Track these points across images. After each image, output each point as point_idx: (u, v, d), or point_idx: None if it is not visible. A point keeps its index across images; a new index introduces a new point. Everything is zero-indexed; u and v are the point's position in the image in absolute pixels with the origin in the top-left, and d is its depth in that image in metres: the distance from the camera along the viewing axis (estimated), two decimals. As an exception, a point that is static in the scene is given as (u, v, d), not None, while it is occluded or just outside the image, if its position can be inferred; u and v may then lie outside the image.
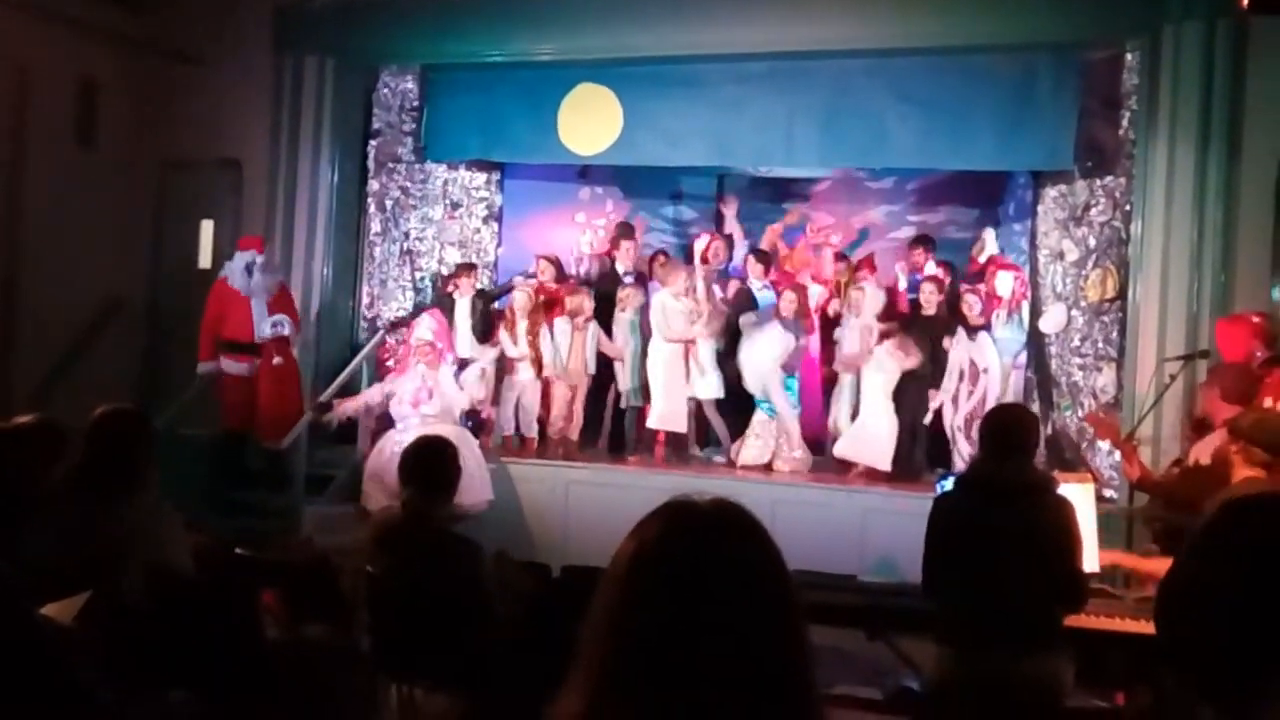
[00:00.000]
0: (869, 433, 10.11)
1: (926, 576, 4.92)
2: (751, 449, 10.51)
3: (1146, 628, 4.84)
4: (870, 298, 10.34)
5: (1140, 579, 5.66)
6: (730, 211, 11.98)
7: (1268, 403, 6.77)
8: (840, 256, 11.68)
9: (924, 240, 11.37)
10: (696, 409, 10.81)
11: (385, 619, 4.99)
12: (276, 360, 10.50)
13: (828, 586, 5.70)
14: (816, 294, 11.03)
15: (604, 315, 10.94)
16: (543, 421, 10.84)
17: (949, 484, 5.30)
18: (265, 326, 10.46)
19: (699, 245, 11.34)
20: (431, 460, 5.19)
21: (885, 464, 9.99)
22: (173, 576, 4.26)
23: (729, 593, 1.70)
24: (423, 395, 9.45)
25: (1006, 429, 4.96)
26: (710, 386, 10.64)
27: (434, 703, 5.18)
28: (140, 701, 3.55)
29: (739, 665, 1.66)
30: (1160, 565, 5.45)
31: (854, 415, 10.31)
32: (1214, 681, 1.58)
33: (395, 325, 11.55)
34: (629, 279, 11.25)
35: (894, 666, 5.84)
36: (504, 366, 10.81)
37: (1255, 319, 7.74)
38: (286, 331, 10.51)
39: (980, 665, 4.67)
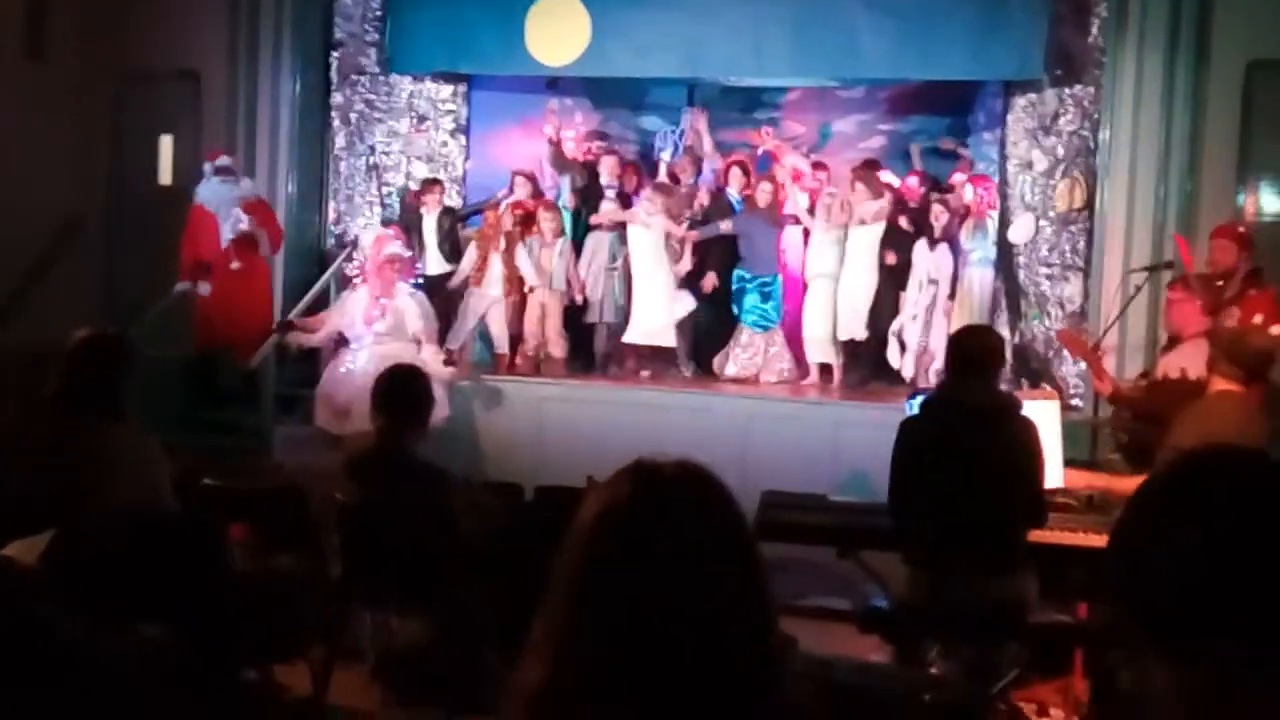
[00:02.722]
0: (850, 284, 10.20)
1: (894, 500, 4.96)
2: (736, 361, 10.57)
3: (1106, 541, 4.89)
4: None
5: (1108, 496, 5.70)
6: (701, 125, 11.86)
7: (1258, 319, 6.81)
8: (820, 165, 11.57)
9: (870, 164, 11.28)
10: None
11: (357, 547, 5.00)
12: (234, 265, 10.29)
13: (799, 506, 5.74)
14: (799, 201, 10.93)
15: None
16: (514, 340, 10.81)
17: (916, 403, 5.32)
18: (226, 229, 10.32)
19: (665, 155, 11.33)
20: (403, 389, 5.19)
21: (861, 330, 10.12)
22: (146, 510, 4.24)
23: (693, 558, 1.70)
24: (374, 313, 9.35)
25: (970, 351, 4.98)
26: (685, 302, 10.67)
27: (407, 627, 5.22)
28: (107, 638, 3.55)
29: (703, 631, 1.66)
30: (1131, 484, 5.50)
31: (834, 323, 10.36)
32: (1167, 638, 1.59)
33: (358, 243, 11.39)
34: (611, 193, 11.18)
35: (864, 579, 5.90)
36: (466, 282, 10.79)
37: (1241, 229, 7.77)
38: (245, 226, 10.28)
39: (947, 586, 4.73)
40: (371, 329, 9.28)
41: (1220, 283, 7.37)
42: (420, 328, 9.41)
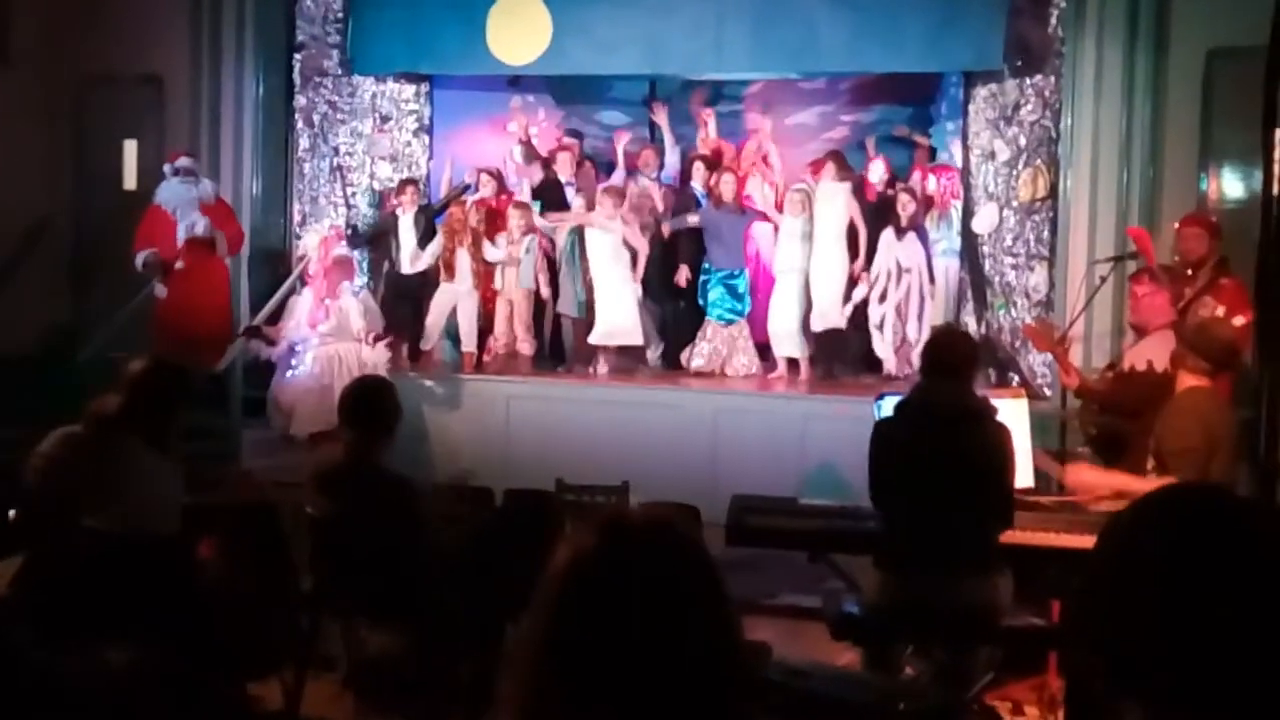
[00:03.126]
0: (821, 274, 10.23)
1: (874, 501, 5.01)
2: (702, 355, 10.60)
3: (1079, 541, 4.96)
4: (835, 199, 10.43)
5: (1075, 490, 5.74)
6: (663, 119, 11.86)
7: (1220, 311, 6.86)
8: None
9: (833, 156, 11.32)
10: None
11: (327, 560, 5.01)
12: (179, 265, 10.23)
13: (768, 510, 5.75)
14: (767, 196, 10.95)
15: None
16: (482, 337, 10.82)
17: (886, 404, 5.35)
18: (181, 230, 10.26)
19: (620, 144, 11.49)
20: (370, 401, 5.18)
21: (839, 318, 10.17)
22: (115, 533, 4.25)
23: (662, 611, 1.71)
24: (319, 315, 9.35)
25: (943, 353, 5.01)
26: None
27: (378, 638, 5.23)
28: (77, 660, 3.55)
29: (674, 684, 1.67)
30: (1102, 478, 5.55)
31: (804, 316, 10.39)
32: (1135, 681, 1.61)
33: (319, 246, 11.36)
34: (570, 189, 11.20)
35: (834, 576, 5.93)
36: (433, 280, 10.81)
37: (1213, 219, 7.81)
38: (199, 230, 10.23)
39: (919, 589, 4.75)
40: (316, 331, 9.28)
41: (1190, 271, 7.42)
42: (362, 326, 9.41)
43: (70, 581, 3.86)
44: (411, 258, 10.85)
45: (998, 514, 4.82)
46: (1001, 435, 4.84)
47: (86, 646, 3.64)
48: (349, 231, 11.40)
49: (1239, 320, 6.65)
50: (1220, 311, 6.82)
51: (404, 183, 11.29)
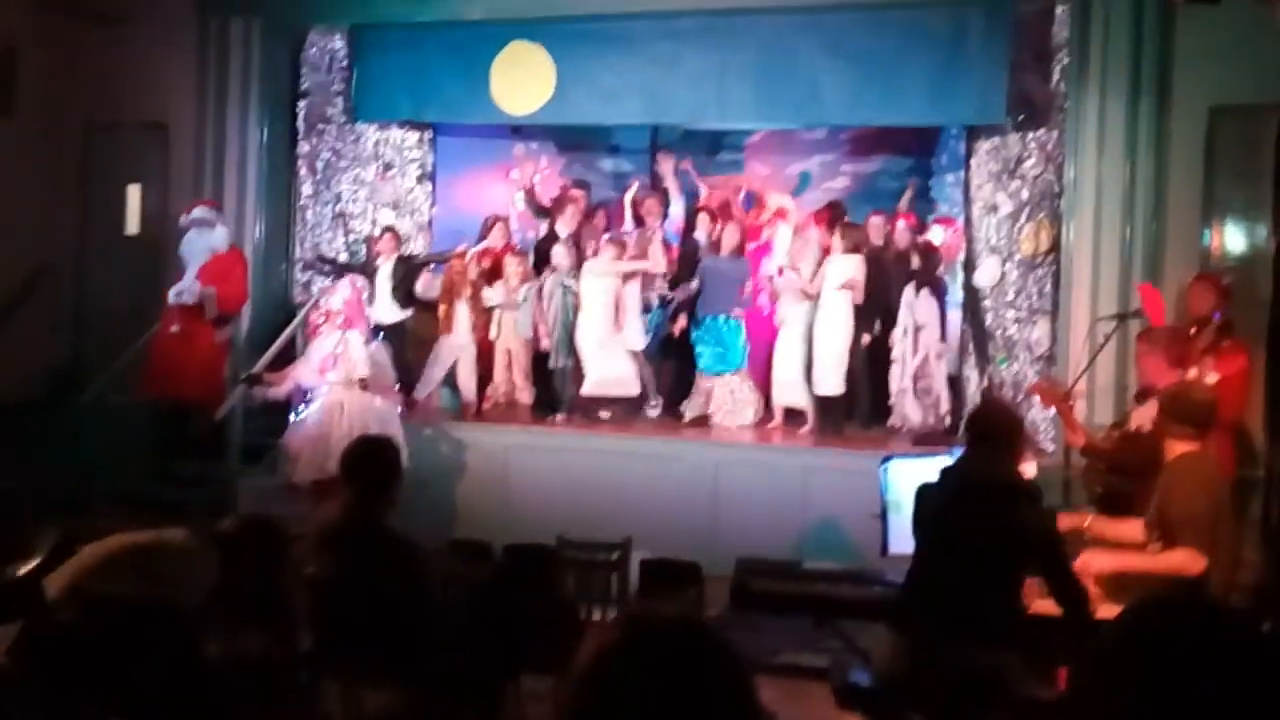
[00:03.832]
0: (824, 353, 10.18)
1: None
2: (695, 407, 10.57)
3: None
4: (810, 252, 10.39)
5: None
6: (668, 169, 11.90)
7: (1204, 373, 6.88)
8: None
9: (834, 207, 11.34)
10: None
11: (328, 621, 4.96)
12: (174, 329, 10.24)
13: (774, 574, 5.72)
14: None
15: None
16: (481, 386, 10.82)
17: (892, 468, 5.34)
18: (173, 293, 10.27)
19: (629, 194, 11.53)
20: (372, 460, 5.14)
21: (840, 383, 10.11)
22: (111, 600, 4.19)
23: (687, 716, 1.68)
24: (329, 362, 9.33)
25: (986, 425, 5.02)
26: (635, 337, 10.67)
27: (377, 698, 5.18)
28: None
29: None
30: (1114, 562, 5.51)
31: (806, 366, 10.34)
32: None
33: (324, 293, 11.34)
34: (563, 235, 11.19)
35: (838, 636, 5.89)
36: (432, 330, 10.79)
37: (1225, 280, 7.83)
38: (189, 300, 10.23)
39: (934, 654, 4.72)
40: (326, 378, 9.25)
41: (1194, 330, 7.44)
42: (365, 375, 9.34)
43: (72, 647, 3.80)
44: (387, 308, 10.83)
45: (1067, 599, 4.84)
46: (1045, 520, 4.86)
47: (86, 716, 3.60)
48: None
49: (1211, 378, 6.72)
50: (1211, 376, 6.86)
51: (385, 230, 11.30)
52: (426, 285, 10.96)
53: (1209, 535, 5.17)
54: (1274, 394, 6.92)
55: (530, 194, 11.78)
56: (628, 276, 10.60)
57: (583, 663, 1.74)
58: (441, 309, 10.74)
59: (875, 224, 10.77)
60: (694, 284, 10.71)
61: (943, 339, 10.14)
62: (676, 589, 6.97)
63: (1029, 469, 5.61)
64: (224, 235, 10.54)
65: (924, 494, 5.04)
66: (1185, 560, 5.15)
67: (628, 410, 10.85)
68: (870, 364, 10.31)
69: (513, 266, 10.75)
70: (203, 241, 10.35)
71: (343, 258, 11.73)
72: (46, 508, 7.20)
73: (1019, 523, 4.79)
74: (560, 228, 11.21)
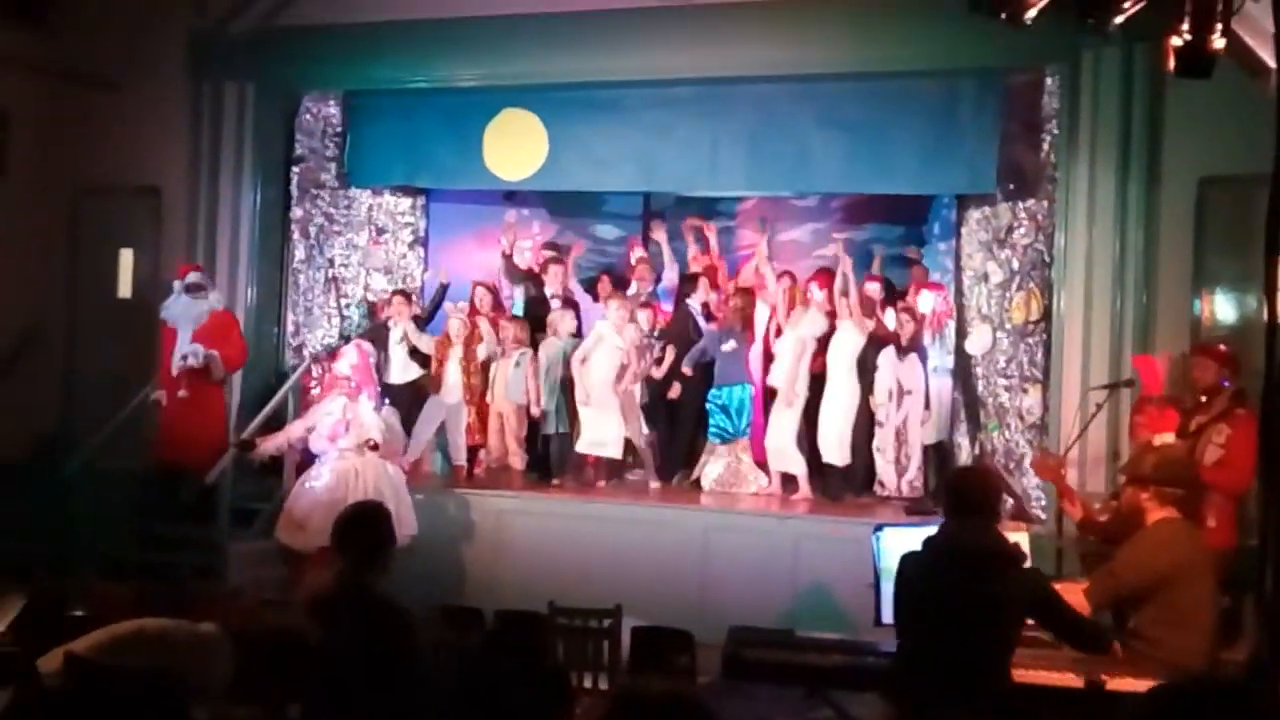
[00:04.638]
0: (830, 424, 10.19)
1: (896, 631, 5.01)
2: (705, 473, 10.64)
3: (1072, 680, 5.04)
4: (811, 318, 10.40)
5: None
6: (661, 235, 11.96)
7: (1160, 439, 6.96)
8: (786, 274, 11.63)
9: (824, 274, 11.40)
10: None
11: (319, 690, 4.91)
12: (181, 394, 10.23)
13: (766, 644, 5.68)
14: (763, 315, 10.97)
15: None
16: (471, 450, 10.79)
17: (885, 536, 5.31)
18: (177, 357, 10.25)
19: (634, 255, 11.67)
20: (364, 528, 5.10)
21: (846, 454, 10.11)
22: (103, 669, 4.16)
23: None
24: (340, 429, 9.29)
25: (966, 493, 4.97)
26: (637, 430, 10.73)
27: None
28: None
29: None
30: None
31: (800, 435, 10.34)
32: None
33: (320, 357, 11.34)
34: (556, 303, 11.20)
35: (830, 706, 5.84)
36: (424, 390, 10.81)
37: (1223, 348, 7.86)
38: (194, 363, 10.20)
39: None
40: (337, 445, 9.21)
41: (1204, 399, 7.49)
42: (376, 439, 9.30)
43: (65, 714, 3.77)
44: (402, 368, 10.84)
45: (1082, 642, 4.93)
46: (1036, 582, 4.88)
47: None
48: (341, 340, 11.39)
49: (1167, 438, 6.95)
50: (1223, 437, 6.92)
51: (395, 293, 11.33)
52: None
53: (1142, 594, 5.42)
54: (1268, 463, 6.89)
55: (508, 259, 11.79)
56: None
57: None
58: (433, 367, 10.76)
59: (872, 290, 10.81)
60: (708, 349, 10.74)
61: (926, 406, 10.19)
62: (668, 657, 6.92)
63: (1021, 539, 5.58)
64: (217, 299, 10.53)
65: (906, 564, 5.01)
66: (1079, 598, 5.34)
67: (620, 473, 10.87)
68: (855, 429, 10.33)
69: (506, 331, 10.80)
70: (194, 307, 10.33)
71: (335, 321, 11.73)
72: (29, 570, 7.15)
73: (1003, 590, 4.76)
74: (548, 290, 11.25)
